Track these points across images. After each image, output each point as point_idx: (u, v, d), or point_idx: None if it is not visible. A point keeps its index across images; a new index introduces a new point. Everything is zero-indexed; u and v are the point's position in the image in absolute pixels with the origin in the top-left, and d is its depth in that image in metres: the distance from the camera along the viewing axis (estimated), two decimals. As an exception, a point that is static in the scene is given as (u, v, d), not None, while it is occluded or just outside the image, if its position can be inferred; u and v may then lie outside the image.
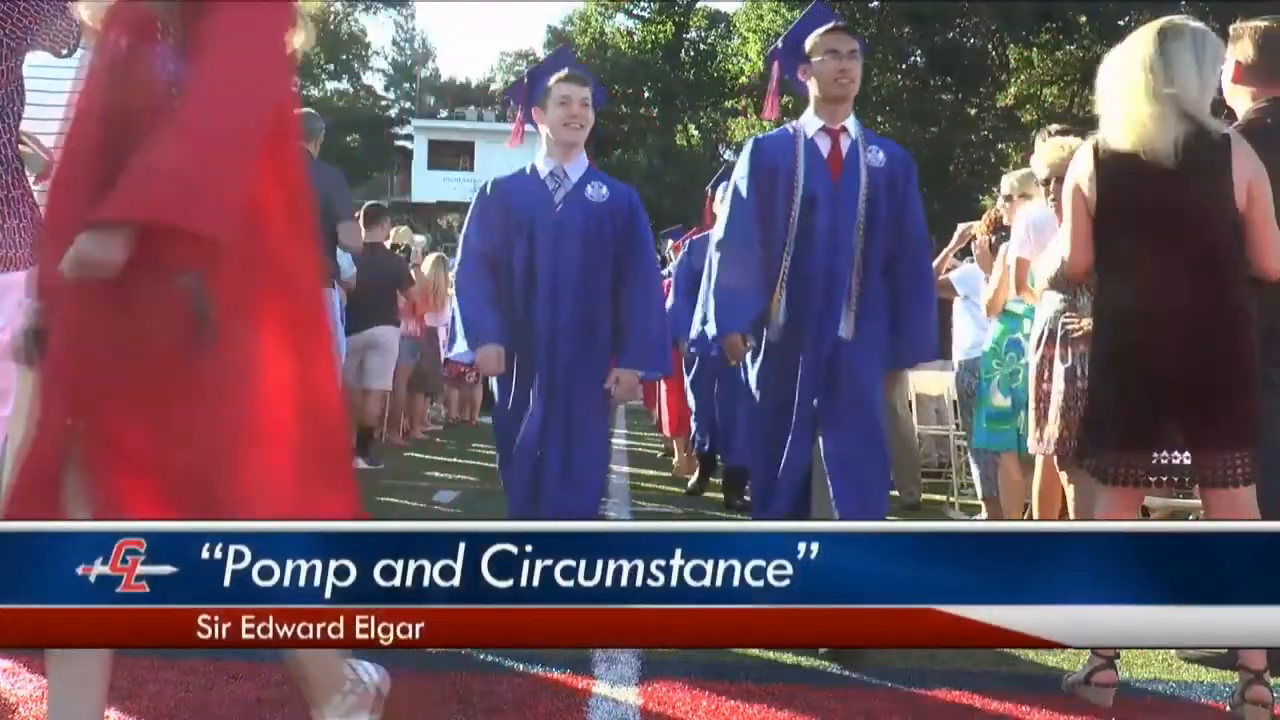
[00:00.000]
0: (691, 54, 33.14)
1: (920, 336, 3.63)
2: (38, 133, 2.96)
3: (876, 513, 3.44)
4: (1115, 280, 2.90)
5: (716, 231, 3.69)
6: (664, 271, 8.99)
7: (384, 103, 44.62)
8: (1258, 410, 2.80)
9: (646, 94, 33.14)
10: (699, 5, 33.26)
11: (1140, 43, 2.82)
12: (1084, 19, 26.06)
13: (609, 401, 3.64)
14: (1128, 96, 2.79)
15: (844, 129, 3.59)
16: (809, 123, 3.61)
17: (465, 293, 3.66)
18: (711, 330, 3.59)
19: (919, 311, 3.60)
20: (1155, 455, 2.80)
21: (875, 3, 29.15)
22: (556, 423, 3.55)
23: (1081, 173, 2.89)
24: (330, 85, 40.19)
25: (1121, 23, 25.62)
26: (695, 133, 33.55)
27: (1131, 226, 2.84)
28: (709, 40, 33.12)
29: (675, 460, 8.14)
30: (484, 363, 3.58)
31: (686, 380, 6.67)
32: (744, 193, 3.58)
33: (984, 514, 5.77)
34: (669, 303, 6.45)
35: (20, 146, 2.11)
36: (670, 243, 9.14)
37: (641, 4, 33.26)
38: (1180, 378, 2.78)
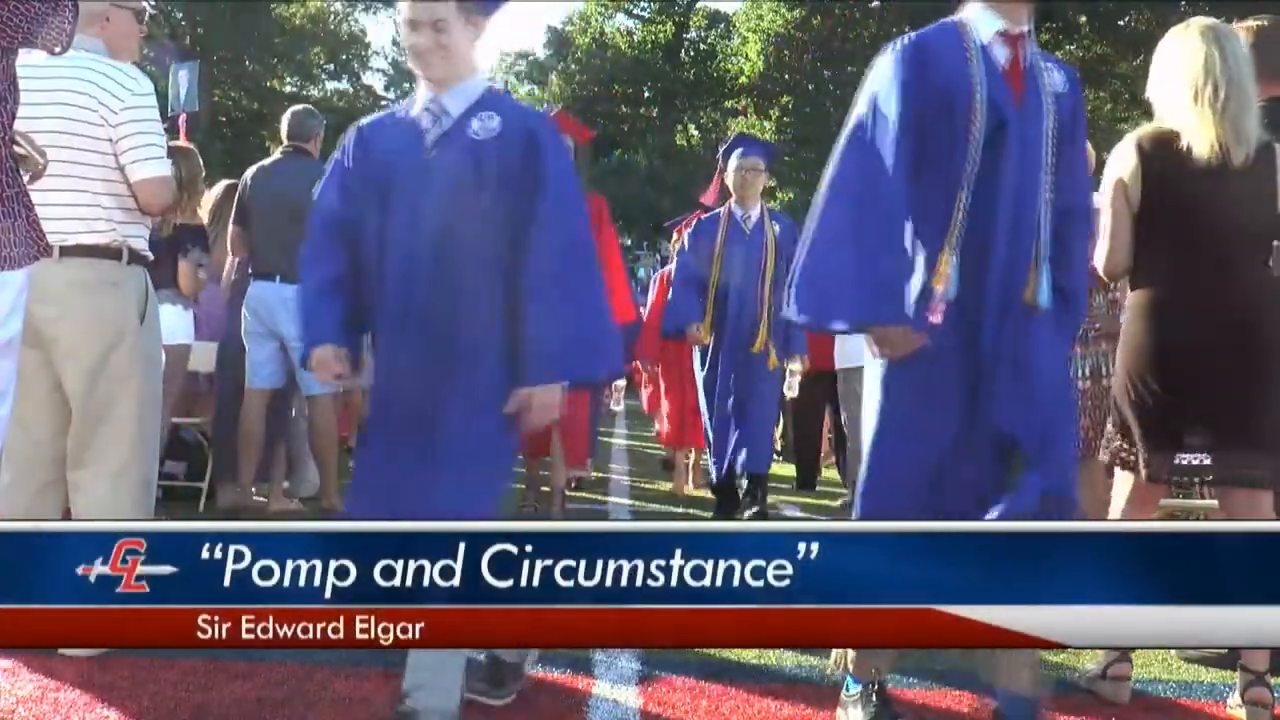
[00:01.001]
0: (691, 54, 33.12)
1: (1077, 313, 2.75)
2: (31, 131, 2.96)
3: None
4: (1159, 276, 2.87)
5: (841, 175, 2.59)
6: (659, 269, 8.69)
7: (384, 103, 44.63)
8: None
9: (646, 94, 33.14)
10: (699, 5, 33.24)
11: (1206, 46, 2.80)
12: (1084, 19, 26.06)
13: (516, 423, 2.58)
14: (1216, 100, 2.76)
15: (1025, 35, 2.60)
16: (982, 22, 2.59)
17: (303, 279, 2.74)
18: (847, 319, 2.62)
19: (1078, 282, 2.70)
20: (1197, 453, 2.80)
21: (875, 3, 29.15)
22: (424, 455, 2.55)
23: (1125, 171, 2.87)
24: (330, 85, 40.18)
25: (1121, 22, 25.65)
26: (695, 133, 33.54)
27: (1179, 224, 2.82)
28: (709, 40, 33.10)
29: (674, 476, 6.98)
30: (318, 367, 2.67)
31: (699, 380, 5.69)
32: (897, 116, 2.53)
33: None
34: (670, 294, 5.87)
35: (14, 147, 2.10)
36: (675, 235, 7.76)
37: (641, 4, 33.25)
38: (1224, 374, 2.77)
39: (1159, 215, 2.84)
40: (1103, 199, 2.95)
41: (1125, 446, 2.91)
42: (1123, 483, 2.96)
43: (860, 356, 7.30)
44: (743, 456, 5.50)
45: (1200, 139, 2.76)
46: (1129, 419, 2.89)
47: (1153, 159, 2.83)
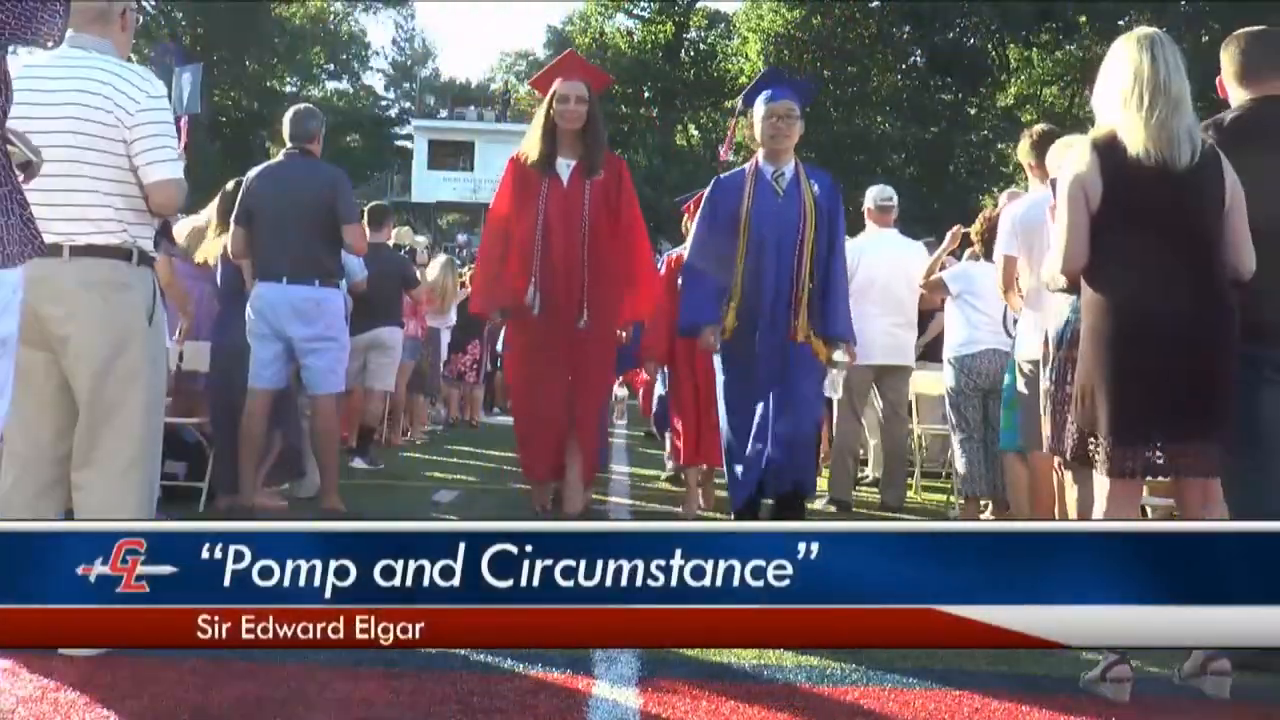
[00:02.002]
0: (691, 54, 33.15)
1: None
2: (43, 131, 2.95)
3: None
4: (1120, 276, 2.94)
5: None
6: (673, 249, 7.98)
7: (384, 103, 44.70)
8: (1235, 399, 2.97)
9: (646, 94, 33.15)
10: (699, 5, 33.28)
11: (1137, 54, 2.92)
12: (1084, 19, 26.09)
13: None
14: (1142, 106, 2.87)
15: None
16: None
17: None
18: None
19: None
20: (1156, 447, 2.90)
21: (875, 2, 29.17)
22: None
23: (1084, 171, 2.93)
24: (330, 85, 40.24)
25: (1122, 22, 25.65)
26: (695, 133, 33.55)
27: (1139, 224, 2.91)
28: (709, 40, 33.14)
29: (688, 495, 5.73)
30: None
31: (719, 383, 4.57)
32: None
33: (958, 513, 5.78)
34: (681, 283, 4.70)
35: (7, 145, 2.09)
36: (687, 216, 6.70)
37: (641, 4, 33.28)
38: (1180, 370, 2.88)
39: (1115, 214, 2.90)
40: (1060, 198, 3.01)
41: (1091, 445, 2.95)
42: (1099, 484, 3.01)
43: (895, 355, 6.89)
44: (777, 476, 4.32)
45: (1131, 140, 2.86)
46: (1093, 416, 2.94)
47: (1108, 159, 2.90)
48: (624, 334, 4.81)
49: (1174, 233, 2.91)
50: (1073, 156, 3.00)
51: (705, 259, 4.47)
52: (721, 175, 4.73)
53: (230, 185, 5.69)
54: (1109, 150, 2.90)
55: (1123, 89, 2.90)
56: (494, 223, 4.88)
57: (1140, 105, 2.86)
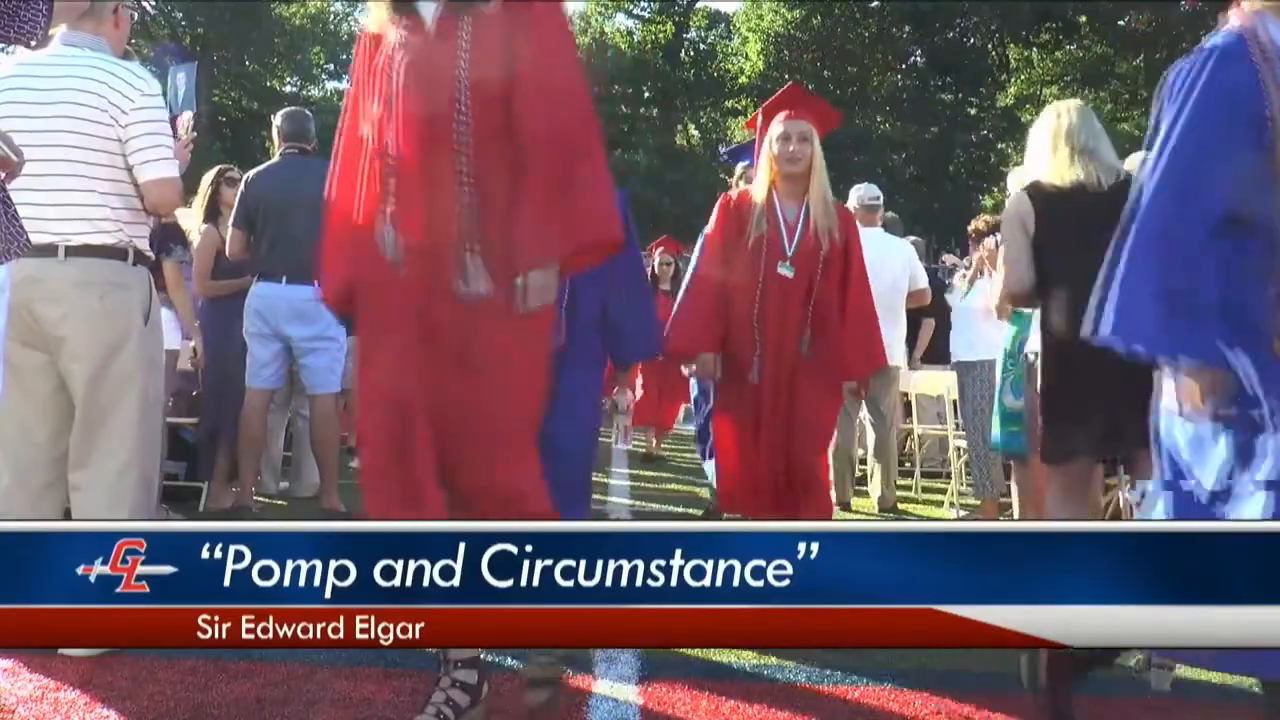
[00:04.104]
0: (691, 54, 33.14)
1: None
2: (38, 130, 2.95)
3: None
4: (1058, 293, 3.38)
5: None
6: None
7: (384, 103, 44.68)
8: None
9: (646, 94, 33.14)
10: (699, 5, 33.27)
11: (1064, 118, 3.55)
12: (1084, 19, 26.11)
13: None
14: (1070, 151, 3.49)
15: None
16: None
17: None
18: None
19: None
20: (1093, 432, 3.35)
21: (875, 2, 29.17)
22: None
23: (1021, 209, 3.51)
24: (330, 85, 40.22)
25: (1121, 22, 25.70)
26: (695, 133, 33.55)
27: (1069, 246, 3.33)
28: (709, 40, 33.13)
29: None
30: None
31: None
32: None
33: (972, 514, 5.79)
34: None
35: None
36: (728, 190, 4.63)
37: (641, 4, 33.26)
38: (1114, 368, 3.12)
39: (1048, 244, 3.43)
40: (1003, 234, 3.59)
41: (1047, 441, 3.44)
42: (1050, 474, 3.49)
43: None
44: None
45: (1058, 175, 3.46)
46: (1047, 411, 3.44)
47: (1036, 193, 3.49)
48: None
49: (1100, 247, 3.15)
50: (1013, 201, 3.58)
51: (1204, 173, 2.31)
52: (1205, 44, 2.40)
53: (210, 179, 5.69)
54: (1037, 188, 3.49)
55: (1052, 140, 3.50)
56: (347, 126, 2.61)
57: (1067, 149, 3.45)
